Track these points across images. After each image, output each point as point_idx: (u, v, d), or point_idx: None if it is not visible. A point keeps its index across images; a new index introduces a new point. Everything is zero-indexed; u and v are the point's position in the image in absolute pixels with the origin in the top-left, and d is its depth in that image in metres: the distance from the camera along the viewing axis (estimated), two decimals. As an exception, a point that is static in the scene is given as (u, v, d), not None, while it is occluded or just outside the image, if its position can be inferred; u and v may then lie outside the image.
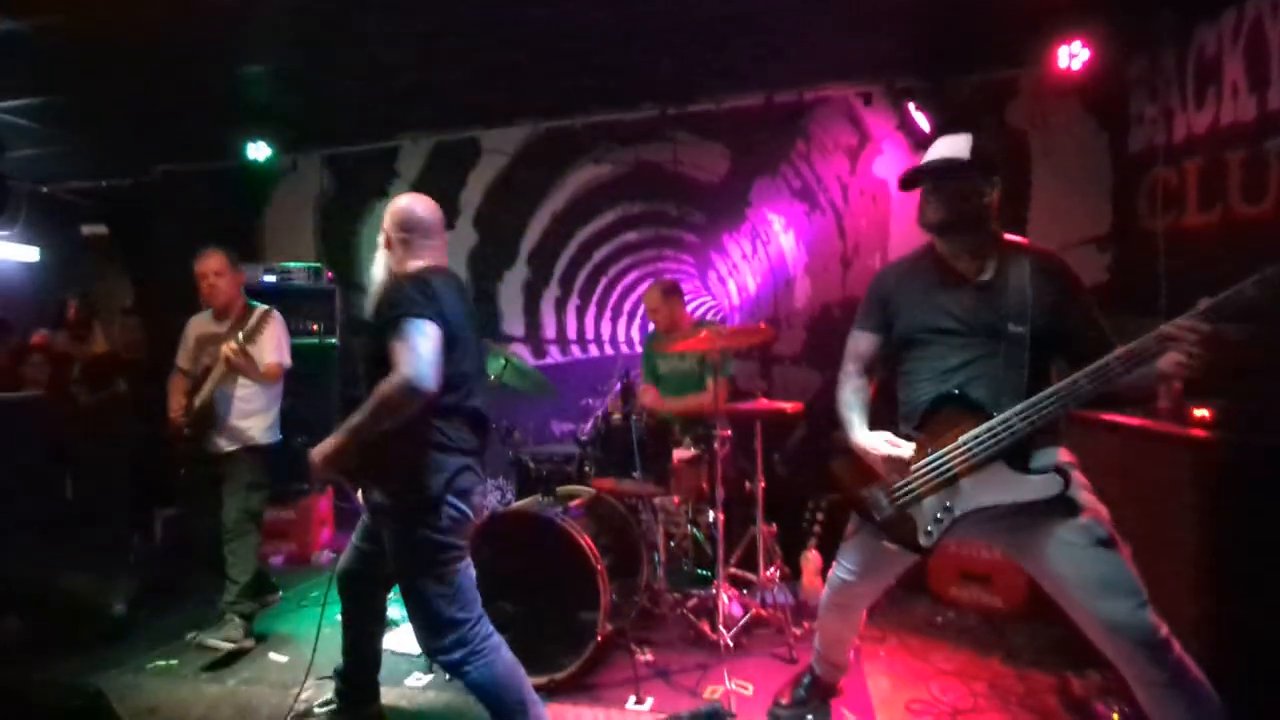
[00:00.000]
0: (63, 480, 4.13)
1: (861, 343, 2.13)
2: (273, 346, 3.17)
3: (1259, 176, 2.75)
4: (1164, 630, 1.68)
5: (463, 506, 2.02)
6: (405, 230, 2.14)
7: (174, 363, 3.34)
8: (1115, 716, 2.28)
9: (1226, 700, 1.69)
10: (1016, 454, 1.81)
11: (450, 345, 1.95)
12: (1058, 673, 2.66)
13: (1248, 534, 2.09)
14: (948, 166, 1.93)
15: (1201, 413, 2.30)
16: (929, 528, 1.89)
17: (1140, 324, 2.34)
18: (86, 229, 6.07)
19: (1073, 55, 3.63)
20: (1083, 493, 1.82)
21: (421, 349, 1.85)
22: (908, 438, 1.94)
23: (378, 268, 2.19)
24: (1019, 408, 1.78)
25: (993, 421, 1.80)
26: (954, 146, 1.94)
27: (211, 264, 3.19)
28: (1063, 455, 1.88)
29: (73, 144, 4.95)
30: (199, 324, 3.34)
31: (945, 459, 1.86)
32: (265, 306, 3.25)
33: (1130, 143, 3.78)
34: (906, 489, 1.91)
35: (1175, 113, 3.36)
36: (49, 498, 4.05)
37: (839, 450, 2.06)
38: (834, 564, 2.26)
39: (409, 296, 1.91)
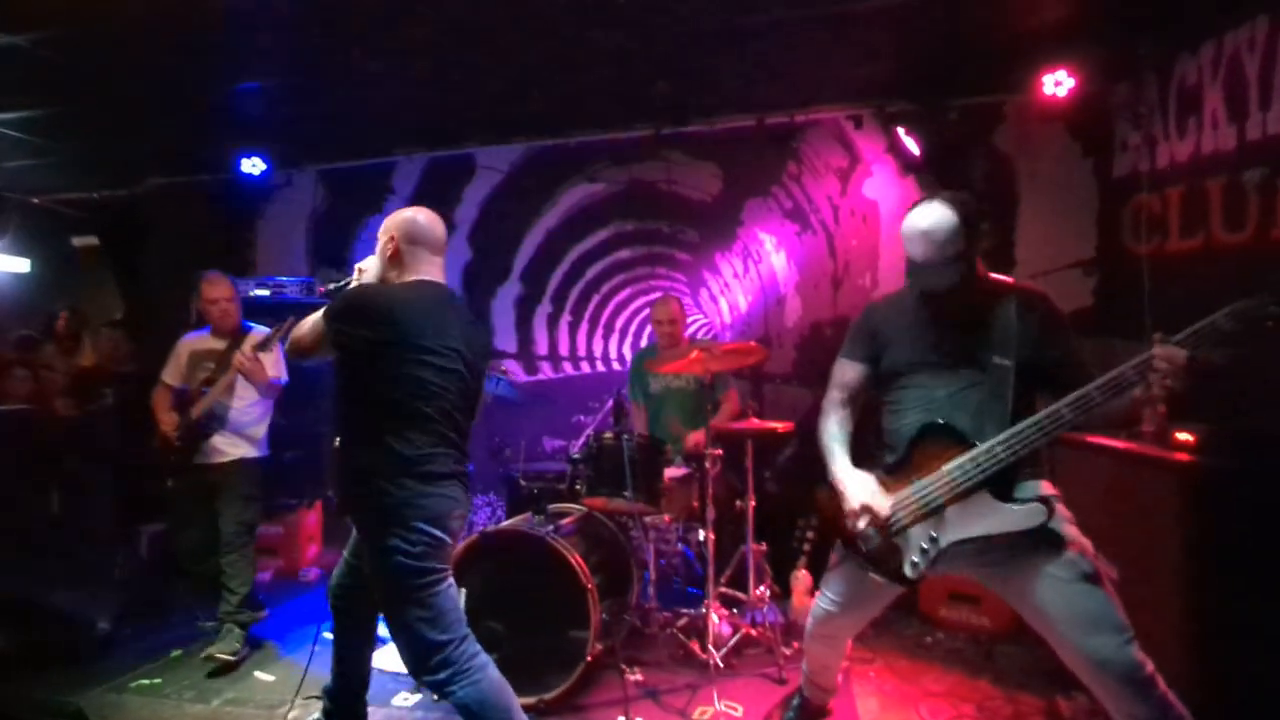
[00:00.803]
0: (48, 494, 4.08)
1: (848, 372, 2.14)
2: (273, 361, 3.23)
3: (1239, 205, 2.81)
4: (1149, 667, 1.69)
5: (435, 532, 2.00)
6: (410, 242, 2.15)
7: (161, 379, 3.33)
8: (1102, 739, 2.29)
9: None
10: (1001, 484, 1.82)
11: (402, 358, 1.98)
12: (1046, 695, 2.67)
13: (1230, 555, 2.12)
14: (945, 261, 1.85)
15: (1185, 437, 2.33)
16: (915, 559, 1.90)
17: (1125, 347, 2.39)
18: (77, 240, 6.05)
19: (1058, 83, 3.71)
20: (1067, 526, 1.83)
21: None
22: (894, 465, 1.96)
23: (369, 271, 2.20)
24: (1002, 436, 1.80)
25: (976, 450, 1.82)
26: (942, 223, 1.84)
27: (223, 290, 3.27)
28: (1045, 488, 1.89)
29: (65, 156, 4.95)
30: (193, 341, 3.37)
31: (930, 488, 1.88)
32: (262, 329, 3.30)
33: (1114, 169, 3.85)
34: (893, 520, 1.92)
35: (1158, 140, 3.43)
36: (34, 512, 4.01)
37: (826, 480, 2.07)
38: (817, 594, 2.26)
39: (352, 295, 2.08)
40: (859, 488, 1.95)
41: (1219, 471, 2.19)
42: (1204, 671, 2.08)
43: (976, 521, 1.84)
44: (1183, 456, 2.30)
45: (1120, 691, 1.70)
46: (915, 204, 1.95)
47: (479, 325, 2.24)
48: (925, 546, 1.89)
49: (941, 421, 1.90)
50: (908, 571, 1.91)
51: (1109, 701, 1.75)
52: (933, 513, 1.88)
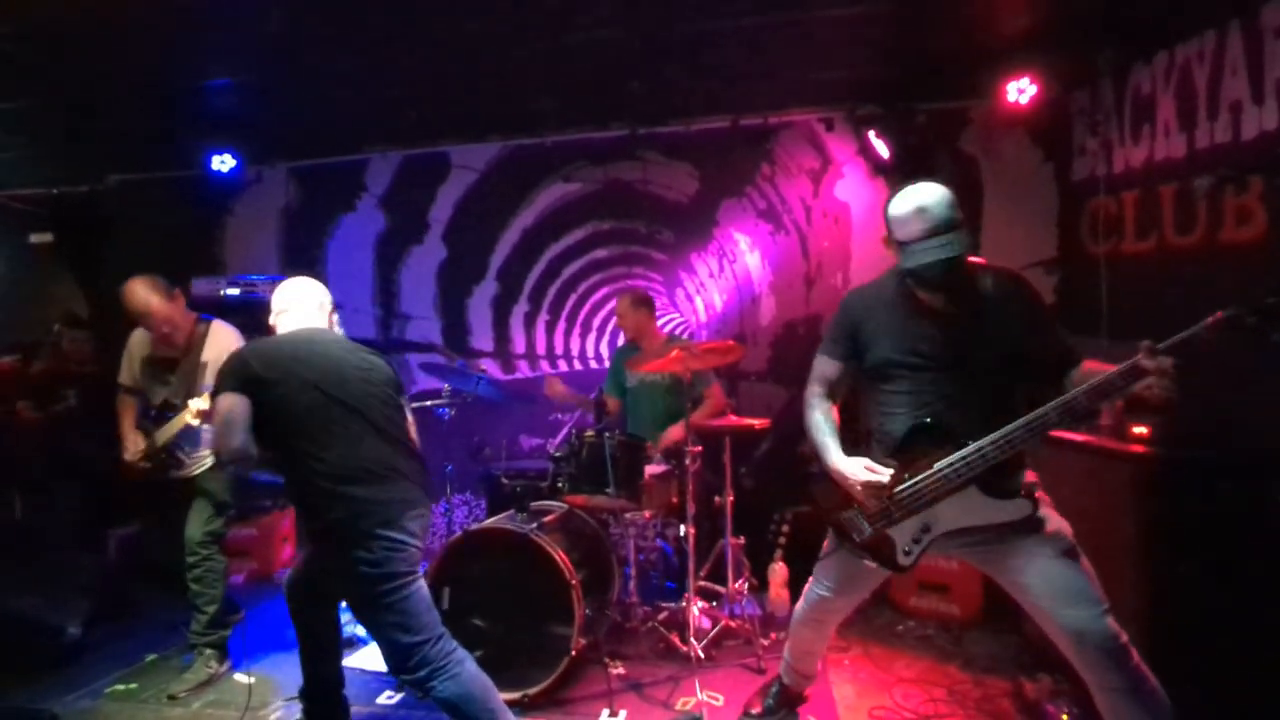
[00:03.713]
0: (11, 499, 3.97)
1: (828, 368, 2.19)
2: None
3: (1188, 209, 2.96)
4: (1123, 637, 1.79)
5: (394, 535, 2.05)
6: (277, 314, 2.41)
7: (119, 383, 3.16)
8: (1065, 717, 2.41)
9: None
10: (989, 478, 1.90)
11: (287, 403, 2.11)
12: (1012, 677, 2.79)
13: (1180, 537, 2.26)
14: (954, 226, 1.86)
15: (1140, 430, 2.46)
16: (907, 548, 1.99)
17: (1085, 344, 2.51)
18: (34, 238, 5.87)
19: (1021, 90, 3.85)
20: (1046, 508, 1.93)
21: (217, 422, 2.12)
22: (884, 463, 2.02)
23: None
24: (993, 437, 1.85)
25: (968, 450, 1.89)
26: (939, 192, 1.89)
27: (155, 307, 2.91)
28: (1028, 477, 1.98)
29: (23, 151, 4.81)
30: (144, 342, 3.14)
31: (923, 484, 1.94)
32: (225, 325, 3.15)
33: (1074, 172, 4.00)
34: (885, 513, 1.99)
35: (1114, 146, 3.58)
36: (-4, 517, 3.91)
37: (816, 475, 2.13)
38: (810, 581, 2.33)
39: (219, 373, 2.20)
40: (857, 470, 1.99)
41: (1170, 462, 2.33)
42: (1156, 639, 2.18)
43: (967, 514, 1.93)
44: (1138, 448, 2.44)
45: (1097, 661, 1.79)
46: (894, 195, 1.98)
47: (348, 343, 2.39)
48: (917, 537, 1.98)
49: (931, 421, 1.96)
50: (901, 560, 2.00)
51: (1085, 671, 1.83)
52: (926, 506, 1.95)
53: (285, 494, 2.28)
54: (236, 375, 2.14)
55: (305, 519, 2.24)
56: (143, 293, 2.93)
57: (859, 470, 1.99)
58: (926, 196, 1.89)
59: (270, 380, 2.13)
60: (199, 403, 2.81)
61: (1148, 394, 1.68)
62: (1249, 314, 1.58)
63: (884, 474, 1.97)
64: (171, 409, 2.99)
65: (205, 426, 3.01)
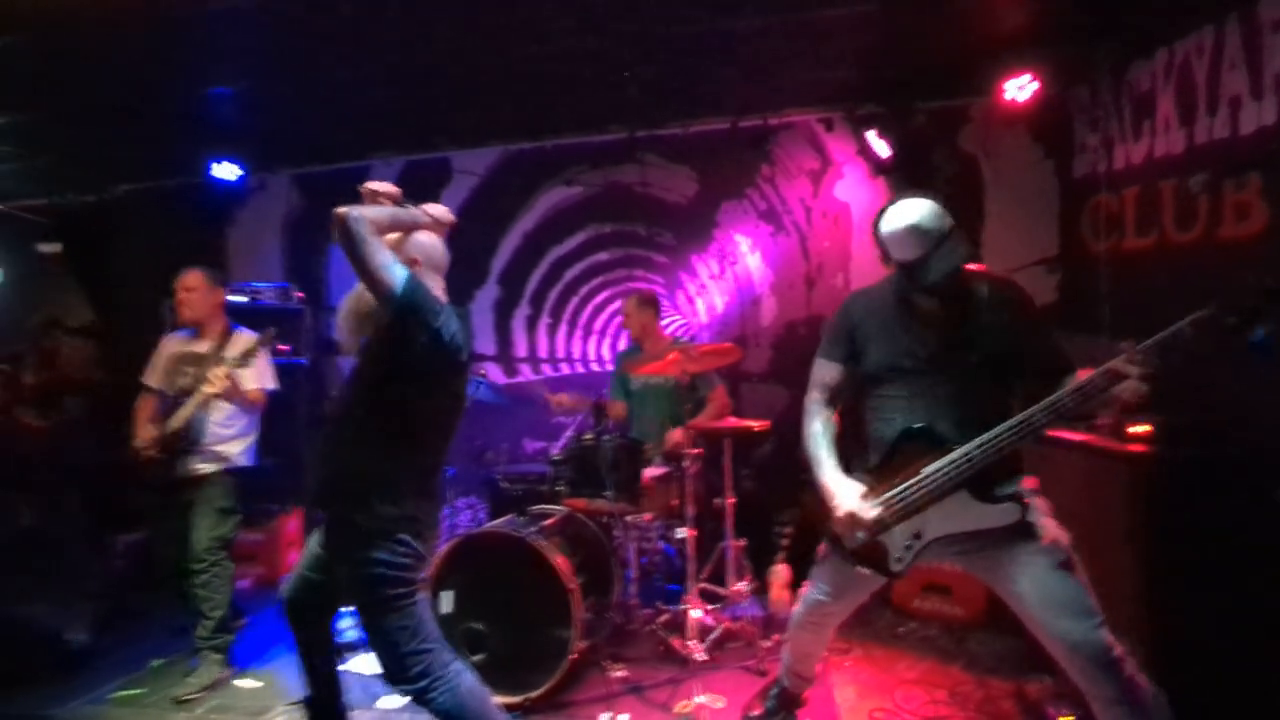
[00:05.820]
0: (17, 506, 4.02)
1: (828, 373, 2.18)
2: (258, 373, 3.12)
3: (1188, 206, 2.94)
4: (1117, 649, 1.78)
5: (420, 546, 2.05)
6: (434, 269, 2.30)
7: (142, 383, 3.22)
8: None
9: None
10: (979, 483, 1.90)
11: (454, 371, 2.03)
12: (1014, 679, 2.77)
13: (1179, 541, 2.23)
14: (944, 240, 1.90)
15: (1138, 430, 2.44)
16: (899, 554, 1.98)
17: (1087, 342, 2.50)
18: (43, 247, 5.94)
19: (1020, 88, 3.82)
20: (1043, 518, 1.92)
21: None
22: (876, 467, 2.02)
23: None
24: (979, 440, 1.86)
25: (955, 454, 1.89)
26: (927, 209, 1.92)
27: (187, 279, 3.20)
28: (1025, 483, 1.97)
29: (31, 162, 4.86)
30: (174, 342, 3.27)
31: (912, 490, 1.94)
32: (250, 332, 3.22)
33: (1074, 169, 3.98)
34: (878, 520, 1.98)
35: (1115, 142, 3.56)
36: (3, 524, 3.95)
37: (810, 481, 2.12)
38: (807, 585, 2.32)
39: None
40: (846, 497, 1.99)
41: (1168, 461, 2.31)
42: (1154, 638, 2.21)
43: (956, 519, 1.92)
44: (1137, 448, 2.41)
45: (1090, 672, 1.79)
46: (883, 210, 2.00)
47: None
48: (909, 543, 1.97)
49: (920, 426, 1.96)
50: (893, 566, 1.99)
51: (1080, 680, 1.83)
52: (915, 511, 1.95)
53: (346, 466, 2.06)
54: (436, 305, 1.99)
55: (348, 503, 2.02)
56: (188, 270, 3.23)
57: (847, 499, 1.98)
58: (916, 214, 1.92)
59: (458, 358, 2.02)
60: (222, 369, 2.91)
61: (1126, 396, 1.71)
62: (1229, 313, 1.58)
63: (868, 510, 1.96)
64: (188, 394, 3.03)
65: (216, 419, 3.09)
